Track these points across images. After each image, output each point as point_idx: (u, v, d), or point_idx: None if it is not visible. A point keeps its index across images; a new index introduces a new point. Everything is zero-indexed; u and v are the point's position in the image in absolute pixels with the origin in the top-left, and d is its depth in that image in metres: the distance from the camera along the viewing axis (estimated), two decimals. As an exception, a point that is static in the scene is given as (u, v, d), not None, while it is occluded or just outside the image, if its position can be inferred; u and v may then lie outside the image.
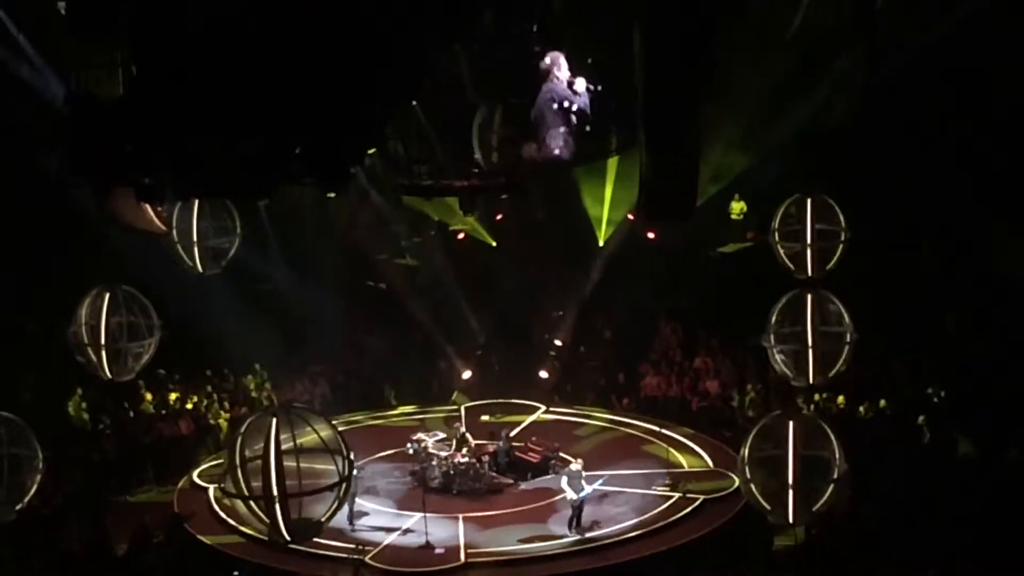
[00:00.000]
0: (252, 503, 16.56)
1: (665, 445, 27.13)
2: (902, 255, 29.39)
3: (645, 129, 18.55)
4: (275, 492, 16.29)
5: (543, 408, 30.07)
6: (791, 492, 19.21)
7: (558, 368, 32.20)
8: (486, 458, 25.54)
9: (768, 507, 19.52)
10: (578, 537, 22.73)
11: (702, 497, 24.05)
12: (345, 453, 16.76)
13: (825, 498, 19.34)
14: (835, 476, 19.18)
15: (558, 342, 32.79)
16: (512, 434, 26.98)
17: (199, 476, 25.99)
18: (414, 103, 19.74)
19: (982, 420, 24.96)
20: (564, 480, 23.19)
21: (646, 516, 23.55)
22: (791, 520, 19.53)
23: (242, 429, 16.71)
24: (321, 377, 31.54)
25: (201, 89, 15.03)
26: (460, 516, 23.64)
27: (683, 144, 18.22)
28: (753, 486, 19.47)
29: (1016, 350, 26.49)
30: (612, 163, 28.65)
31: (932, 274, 29.69)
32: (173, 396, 29.03)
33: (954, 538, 20.80)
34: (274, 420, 16.33)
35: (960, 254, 29.08)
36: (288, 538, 16.64)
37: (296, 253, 33.04)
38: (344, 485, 16.72)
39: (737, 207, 32.66)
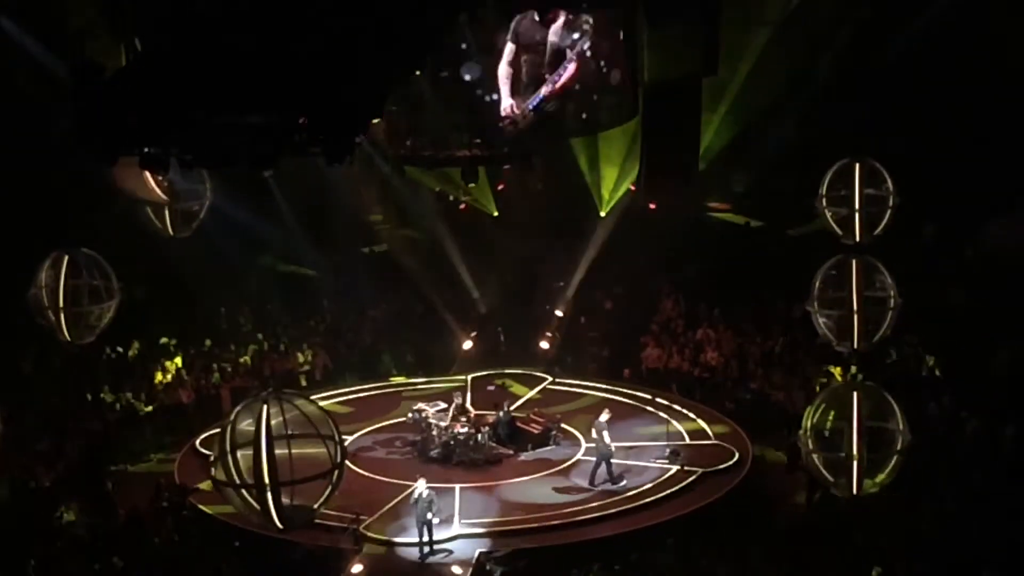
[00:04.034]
0: (244, 491, 16.33)
1: (666, 416, 27.12)
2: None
3: (647, 101, 18.59)
4: (267, 480, 16.11)
5: (549, 379, 30.09)
6: (855, 463, 18.91)
7: (558, 339, 32.17)
8: (486, 428, 25.58)
9: (831, 479, 19.34)
10: (617, 486, 23.52)
11: (700, 470, 24.09)
12: (337, 439, 16.53)
13: (889, 469, 19.06)
14: (900, 447, 18.93)
15: (559, 313, 32.76)
16: (515, 406, 27.02)
17: (201, 445, 25.96)
18: (417, 73, 19.68)
19: (985, 396, 24.92)
20: (593, 432, 23.89)
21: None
22: (855, 492, 19.19)
23: (232, 416, 16.46)
24: (321, 348, 31.50)
25: (206, 59, 14.97)
26: (457, 486, 23.69)
27: (684, 114, 18.28)
28: (815, 457, 19.26)
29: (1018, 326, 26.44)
30: (614, 133, 28.52)
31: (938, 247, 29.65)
32: (173, 364, 29.00)
33: (956, 513, 20.85)
34: (265, 407, 16.08)
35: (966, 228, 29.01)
36: (281, 526, 16.42)
37: (300, 223, 32.95)
38: (337, 472, 16.48)
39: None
